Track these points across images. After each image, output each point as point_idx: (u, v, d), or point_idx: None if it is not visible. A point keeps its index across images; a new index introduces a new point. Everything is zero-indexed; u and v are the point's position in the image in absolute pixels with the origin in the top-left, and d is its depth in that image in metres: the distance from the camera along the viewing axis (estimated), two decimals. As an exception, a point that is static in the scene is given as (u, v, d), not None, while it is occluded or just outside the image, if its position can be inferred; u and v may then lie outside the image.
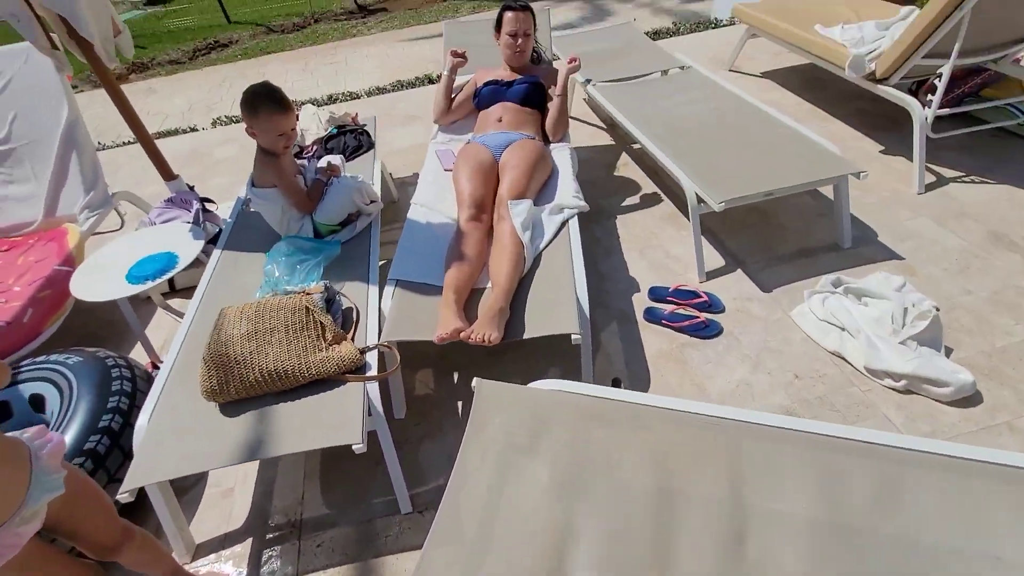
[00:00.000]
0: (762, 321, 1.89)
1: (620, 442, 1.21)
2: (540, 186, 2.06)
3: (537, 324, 1.54)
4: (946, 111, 2.36)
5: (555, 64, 2.42)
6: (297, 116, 2.73)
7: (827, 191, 2.36)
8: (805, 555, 0.96)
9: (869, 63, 2.45)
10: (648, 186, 2.67)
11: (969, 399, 1.55)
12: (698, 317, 1.90)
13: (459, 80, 2.56)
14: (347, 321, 1.61)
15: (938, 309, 1.81)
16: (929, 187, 2.37)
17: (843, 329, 1.76)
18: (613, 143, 3.07)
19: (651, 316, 1.95)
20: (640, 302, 2.04)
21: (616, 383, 1.56)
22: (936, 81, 2.30)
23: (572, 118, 2.38)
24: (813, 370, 1.72)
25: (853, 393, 1.64)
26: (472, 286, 1.70)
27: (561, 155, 2.27)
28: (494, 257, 1.71)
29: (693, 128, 2.34)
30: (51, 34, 1.88)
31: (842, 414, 1.59)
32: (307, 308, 1.49)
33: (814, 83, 3.29)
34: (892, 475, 1.06)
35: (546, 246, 1.83)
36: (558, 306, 1.56)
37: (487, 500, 1.08)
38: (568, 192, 2.03)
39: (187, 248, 1.93)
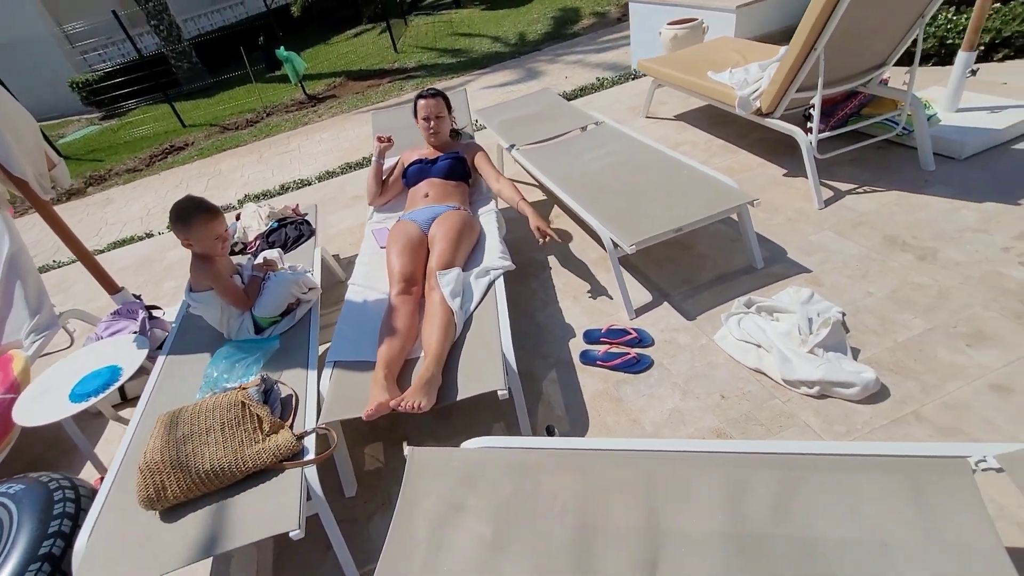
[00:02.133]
0: (688, 349, 2.00)
1: (545, 489, 1.27)
2: (468, 253, 2.19)
3: (467, 385, 1.62)
4: (827, 134, 2.61)
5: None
6: (238, 216, 2.87)
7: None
8: (716, 569, 1.02)
9: (754, 101, 2.72)
10: (578, 235, 2.83)
11: (878, 394, 1.66)
12: (629, 353, 2.00)
13: (389, 162, 2.75)
14: (286, 409, 1.66)
15: (844, 314, 1.96)
16: (828, 202, 2.58)
17: (759, 346, 1.88)
18: (545, 198, 3.27)
19: (586, 359, 2.05)
20: (577, 347, 2.13)
21: (550, 431, 1.62)
22: (811, 110, 2.57)
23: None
24: (737, 389, 1.81)
25: (775, 405, 1.73)
26: (405, 358, 1.78)
27: (488, 219, 2.43)
28: (425, 327, 1.81)
29: (607, 178, 2.53)
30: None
31: (766, 427, 1.67)
32: (243, 403, 1.54)
33: (719, 120, 3.59)
34: (789, 481, 1.14)
35: (475, 308, 1.94)
36: (485, 365, 1.64)
37: (424, 561, 1.12)
38: (494, 254, 2.16)
39: (131, 359, 1.98)
